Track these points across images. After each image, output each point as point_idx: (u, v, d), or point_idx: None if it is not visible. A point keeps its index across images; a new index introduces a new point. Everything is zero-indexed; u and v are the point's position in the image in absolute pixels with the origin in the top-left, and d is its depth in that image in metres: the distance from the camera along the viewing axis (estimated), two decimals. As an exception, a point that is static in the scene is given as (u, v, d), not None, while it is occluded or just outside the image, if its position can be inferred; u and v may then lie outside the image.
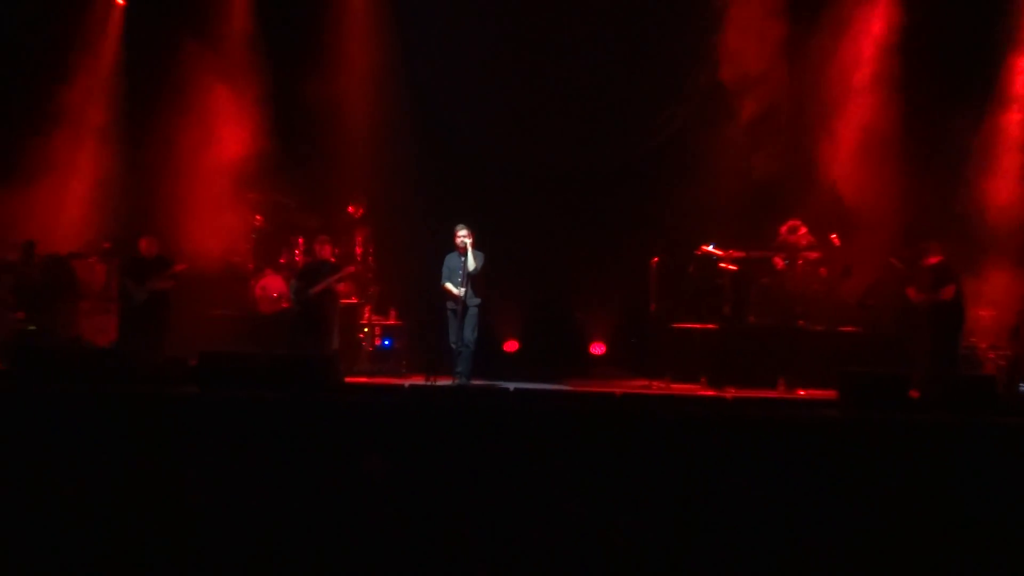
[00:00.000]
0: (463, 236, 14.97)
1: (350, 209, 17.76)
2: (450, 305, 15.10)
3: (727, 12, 17.18)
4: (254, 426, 11.89)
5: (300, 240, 17.43)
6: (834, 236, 16.58)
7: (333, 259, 16.10)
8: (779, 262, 16.59)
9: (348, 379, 15.00)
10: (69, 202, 17.38)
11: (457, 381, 14.97)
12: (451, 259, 15.08)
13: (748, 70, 17.18)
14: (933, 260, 14.96)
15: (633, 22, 17.70)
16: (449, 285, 15.02)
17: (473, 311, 15.04)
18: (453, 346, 15.16)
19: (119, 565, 5.96)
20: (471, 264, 14.91)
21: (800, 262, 16.50)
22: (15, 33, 17.15)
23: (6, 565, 5.82)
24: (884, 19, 17.07)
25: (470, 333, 15.06)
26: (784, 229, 16.67)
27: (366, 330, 17.28)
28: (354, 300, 17.10)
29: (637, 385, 16.07)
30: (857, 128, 16.98)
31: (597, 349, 17.88)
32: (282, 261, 17.52)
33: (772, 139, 17.18)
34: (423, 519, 6.73)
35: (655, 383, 16.02)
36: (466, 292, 14.93)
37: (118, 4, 18.10)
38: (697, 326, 16.76)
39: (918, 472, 10.25)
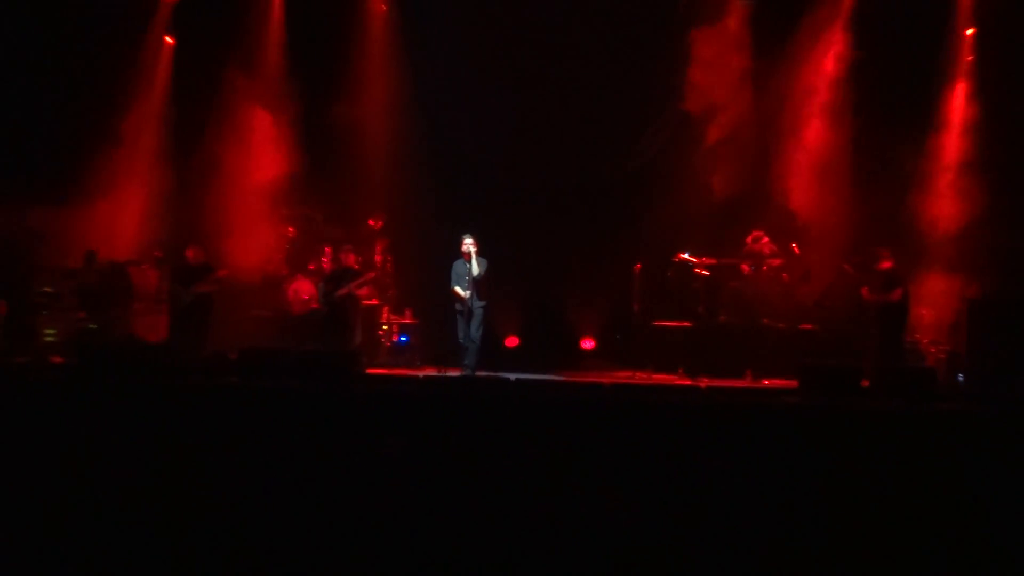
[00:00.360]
0: (468, 245, 14.95)
1: (371, 222, 17.76)
2: (458, 306, 15.08)
3: (692, 50, 17.14)
4: (287, 412, 11.90)
5: (327, 249, 17.39)
6: (794, 245, 16.58)
7: (356, 266, 16.09)
8: (745, 268, 16.58)
9: (369, 371, 15.03)
10: (125, 216, 17.36)
11: (465, 372, 14.97)
12: (458, 265, 15.06)
13: (711, 100, 17.13)
14: (885, 265, 14.94)
15: (616, 60, 17.67)
16: (457, 288, 14.99)
17: (478, 312, 15.01)
18: (461, 342, 15.13)
19: (166, 532, 5.96)
20: (475, 270, 14.91)
21: (764, 268, 16.50)
22: (80, 68, 17.15)
23: (67, 531, 5.81)
24: (836, 53, 17.07)
25: (475, 331, 15.03)
26: (749, 239, 16.66)
27: (385, 328, 17.26)
28: (375, 301, 17.08)
29: (622, 376, 16.04)
30: (812, 150, 16.97)
31: (587, 344, 17.85)
32: (311, 267, 17.50)
33: (731, 162, 17.13)
34: (435, 490, 6.73)
35: (638, 374, 16.00)
36: (471, 295, 14.94)
37: (168, 43, 18.13)
38: (675, 324, 16.72)
39: (868, 451, 10.25)
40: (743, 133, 17.17)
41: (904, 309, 14.96)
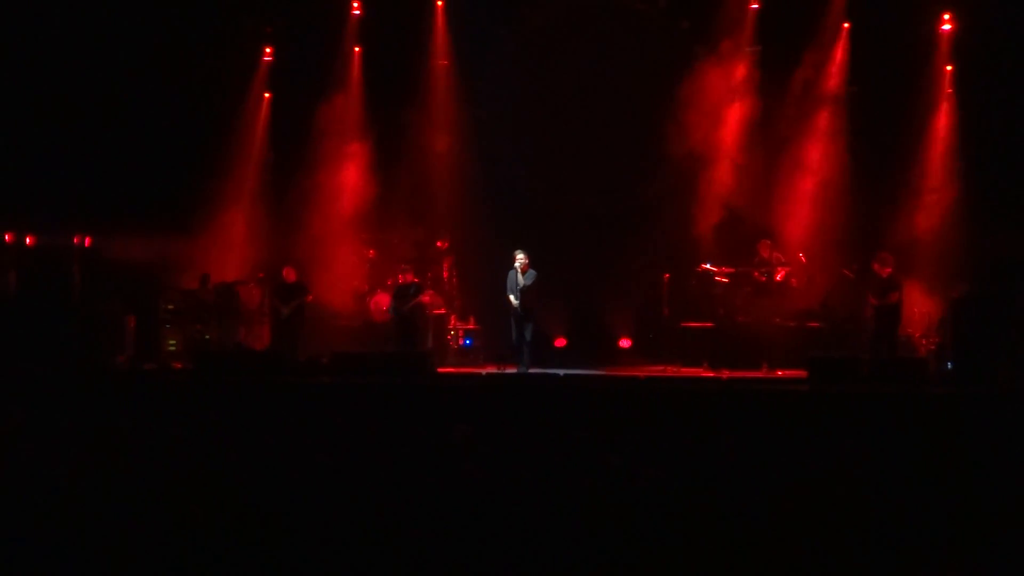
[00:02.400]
0: (521, 259, 14.95)
1: (439, 243, 17.80)
2: (512, 312, 15.06)
3: (704, 92, 16.96)
4: (372, 404, 11.97)
5: (402, 267, 17.46)
6: (800, 255, 16.37)
7: (419, 281, 16.15)
8: (759, 275, 16.39)
9: (440, 369, 15.07)
10: (233, 243, 17.57)
11: (520, 370, 14.93)
12: (511, 276, 15.04)
13: (718, 135, 16.95)
14: (886, 272, 14.72)
15: (639, 103, 17.50)
16: (511, 296, 14.98)
17: (527, 320, 14.99)
18: (514, 342, 15.11)
19: (274, 505, 5.99)
20: (522, 280, 14.87)
21: (775, 275, 16.29)
22: (195, 124, 17.35)
23: (189, 509, 5.85)
24: (832, 88, 16.92)
25: (528, 335, 15.00)
26: (765, 249, 16.37)
27: (452, 333, 17.29)
28: (443, 311, 17.12)
29: (655, 370, 15.93)
30: (812, 173, 16.78)
31: (624, 343, 17.74)
32: (388, 283, 17.54)
33: (709, 194, 16.95)
34: (497, 469, 6.72)
35: (668, 368, 15.90)
36: (520, 303, 14.89)
37: (266, 97, 18.34)
38: (699, 324, 16.59)
39: (870, 431, 10.12)
40: (751, 160, 16.98)
41: (899, 308, 14.76)
